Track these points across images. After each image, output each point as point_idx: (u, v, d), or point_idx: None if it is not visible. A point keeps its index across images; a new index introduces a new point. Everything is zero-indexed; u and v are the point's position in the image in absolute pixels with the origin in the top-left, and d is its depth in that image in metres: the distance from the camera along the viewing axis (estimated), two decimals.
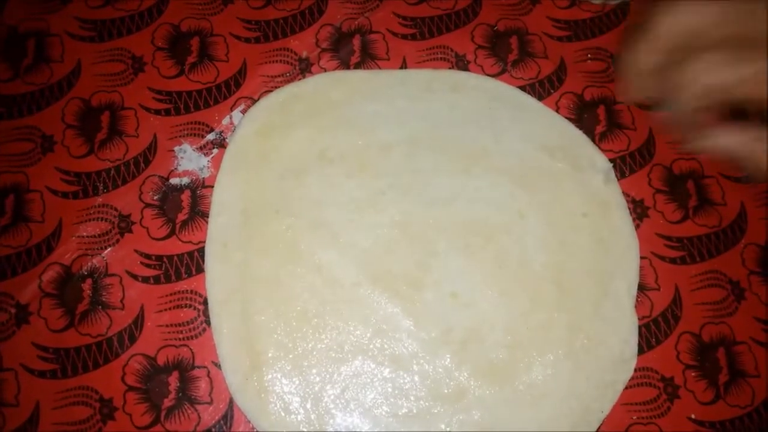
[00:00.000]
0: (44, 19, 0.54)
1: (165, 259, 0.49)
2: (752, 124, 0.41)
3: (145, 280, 0.48)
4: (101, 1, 0.55)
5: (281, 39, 0.55)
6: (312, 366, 0.46)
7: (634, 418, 0.48)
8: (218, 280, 0.48)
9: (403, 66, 0.55)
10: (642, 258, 0.51)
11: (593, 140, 0.54)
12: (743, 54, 0.39)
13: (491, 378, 0.47)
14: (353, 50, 0.56)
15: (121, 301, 0.48)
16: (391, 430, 0.45)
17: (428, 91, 0.54)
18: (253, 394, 0.45)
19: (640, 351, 0.49)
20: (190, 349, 0.47)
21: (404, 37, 0.56)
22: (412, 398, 0.46)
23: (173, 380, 0.46)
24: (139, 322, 0.47)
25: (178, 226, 0.50)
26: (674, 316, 0.50)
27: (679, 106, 0.42)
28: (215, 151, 0.52)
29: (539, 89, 0.55)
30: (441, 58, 0.56)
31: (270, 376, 0.46)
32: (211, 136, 0.52)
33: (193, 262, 0.49)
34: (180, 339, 0.47)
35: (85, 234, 0.49)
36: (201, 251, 0.49)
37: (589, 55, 0.57)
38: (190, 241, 0.49)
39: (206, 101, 0.53)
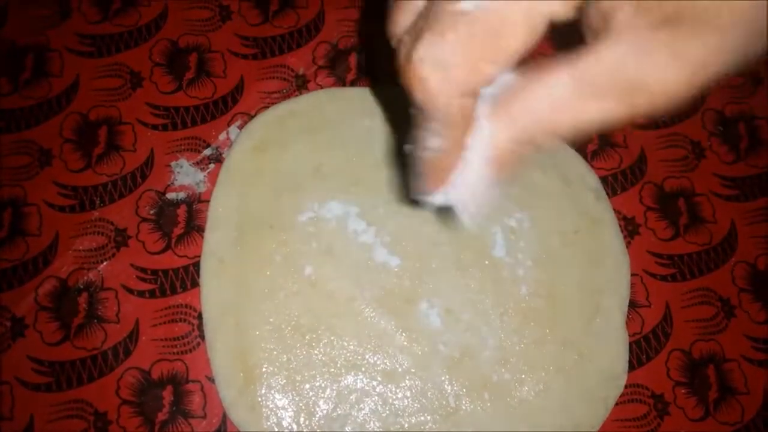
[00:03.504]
0: (44, 34, 0.55)
1: (160, 274, 0.49)
2: None
3: (141, 294, 0.49)
4: (100, 17, 0.55)
5: (278, 56, 0.56)
6: (305, 381, 0.47)
7: None
8: (213, 294, 0.48)
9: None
10: (633, 275, 0.52)
11: (585, 158, 0.54)
12: None
13: (483, 393, 0.47)
14: (349, 67, 0.56)
15: (117, 314, 0.48)
16: None
17: None
18: (247, 409, 0.46)
19: (631, 367, 0.49)
20: (185, 364, 0.47)
21: None
22: (404, 414, 0.46)
23: (167, 394, 0.47)
24: (134, 336, 0.48)
25: (173, 240, 0.50)
26: (665, 333, 0.51)
27: None
28: (212, 166, 0.52)
29: None
30: None
31: (263, 391, 0.46)
32: (207, 152, 0.53)
33: (188, 277, 0.49)
34: (174, 353, 0.48)
35: (81, 248, 0.49)
36: (196, 266, 0.49)
37: None
38: (185, 256, 0.50)
39: (203, 117, 0.54)
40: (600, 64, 0.22)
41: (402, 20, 0.26)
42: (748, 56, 0.22)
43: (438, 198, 0.29)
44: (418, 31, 0.23)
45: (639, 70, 0.22)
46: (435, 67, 0.22)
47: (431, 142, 0.25)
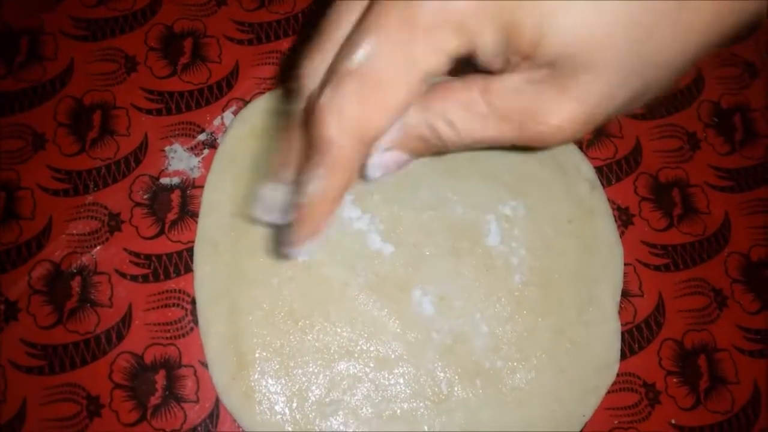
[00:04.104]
0: (38, 17, 0.54)
1: (154, 258, 0.49)
2: None
3: (134, 278, 0.49)
4: (95, 1, 0.55)
5: (274, 41, 0.56)
6: (298, 366, 0.47)
7: (616, 422, 0.48)
8: (207, 280, 0.49)
9: None
10: (626, 265, 0.52)
11: (580, 148, 0.54)
12: None
13: (475, 380, 0.47)
14: None
15: (110, 299, 0.48)
16: (375, 430, 0.46)
17: None
18: (240, 394, 0.46)
19: (623, 356, 0.49)
20: (178, 348, 0.47)
21: None
22: (396, 400, 0.46)
23: (160, 378, 0.47)
24: (127, 320, 0.48)
25: (167, 225, 0.50)
26: (657, 322, 0.51)
27: None
28: (206, 151, 0.52)
29: None
30: None
31: (256, 376, 0.46)
32: (202, 137, 0.53)
33: (182, 262, 0.49)
34: (167, 338, 0.48)
35: (74, 232, 0.49)
36: (189, 251, 0.49)
37: None
38: (179, 241, 0.50)
39: (198, 102, 0.53)
40: (504, 86, 0.26)
41: (313, 67, 0.29)
42: (640, 98, 0.26)
43: (306, 252, 0.30)
44: (322, 82, 0.27)
45: (533, 100, 0.25)
46: (332, 114, 0.25)
47: (314, 186, 0.27)
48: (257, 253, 0.49)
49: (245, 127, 0.52)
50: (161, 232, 0.50)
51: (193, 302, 0.48)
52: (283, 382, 0.46)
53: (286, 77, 0.55)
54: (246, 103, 0.54)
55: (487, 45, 0.25)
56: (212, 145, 0.52)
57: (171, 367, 0.47)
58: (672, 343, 0.50)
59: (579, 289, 0.50)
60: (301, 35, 0.56)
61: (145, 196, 0.51)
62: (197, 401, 0.46)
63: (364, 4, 0.27)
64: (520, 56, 0.25)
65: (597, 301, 0.50)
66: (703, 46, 0.24)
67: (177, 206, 0.51)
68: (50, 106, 0.52)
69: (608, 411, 0.48)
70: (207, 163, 0.52)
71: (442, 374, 0.47)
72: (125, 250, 0.49)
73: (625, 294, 0.51)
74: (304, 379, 0.46)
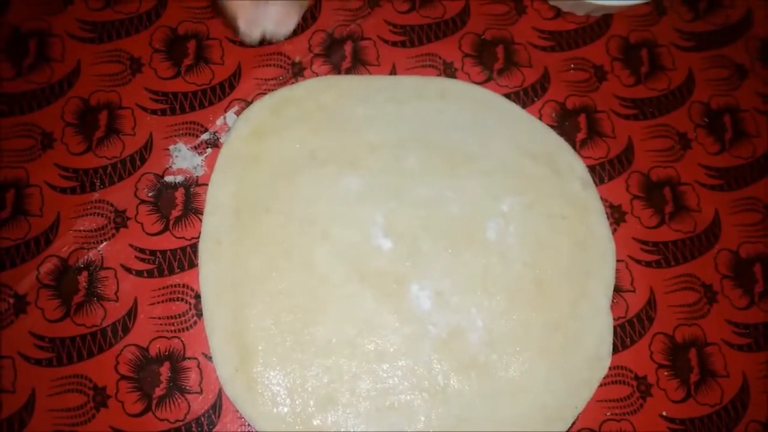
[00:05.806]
0: (46, 19, 0.56)
1: (158, 254, 0.51)
2: None
3: (139, 273, 0.50)
4: (101, 4, 0.56)
5: (275, 43, 0.57)
6: (300, 359, 0.48)
7: (608, 414, 0.49)
8: (211, 275, 0.50)
9: (393, 72, 0.57)
10: (618, 261, 0.53)
11: (574, 147, 0.56)
12: None
13: (470, 373, 0.48)
14: (345, 56, 0.57)
15: (116, 293, 0.49)
16: (373, 421, 0.47)
17: (416, 97, 0.56)
18: (242, 386, 0.47)
19: (615, 350, 0.51)
20: (182, 341, 0.49)
21: (394, 44, 0.58)
22: (394, 392, 0.48)
23: (164, 370, 0.48)
24: (132, 313, 0.49)
25: (171, 222, 0.51)
26: (648, 317, 0.52)
27: None
28: (209, 150, 0.54)
29: (523, 97, 0.57)
30: (429, 65, 0.58)
31: (259, 369, 0.47)
32: (205, 136, 0.54)
33: (186, 258, 0.51)
34: (172, 331, 0.49)
35: (81, 228, 0.51)
36: (193, 247, 0.51)
37: (572, 65, 0.59)
38: (183, 237, 0.51)
39: (201, 102, 0.55)
40: None
41: None
42: None
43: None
44: None
45: None
46: None
47: None
48: (260, 249, 0.50)
49: (247, 127, 0.54)
50: (165, 229, 0.51)
51: (197, 296, 0.50)
52: (285, 374, 0.47)
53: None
54: (248, 103, 0.55)
55: None
56: (215, 144, 0.54)
57: (175, 360, 0.48)
58: (663, 337, 0.52)
59: (572, 285, 0.51)
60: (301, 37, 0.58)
61: (150, 194, 0.52)
62: (201, 392, 0.48)
63: None
64: None
65: (590, 296, 0.51)
66: None
67: (181, 203, 0.52)
68: (58, 107, 0.54)
69: (600, 403, 0.49)
70: (210, 162, 0.53)
71: (438, 367, 0.48)
72: (131, 245, 0.51)
73: (618, 289, 0.52)
74: (305, 371, 0.48)
